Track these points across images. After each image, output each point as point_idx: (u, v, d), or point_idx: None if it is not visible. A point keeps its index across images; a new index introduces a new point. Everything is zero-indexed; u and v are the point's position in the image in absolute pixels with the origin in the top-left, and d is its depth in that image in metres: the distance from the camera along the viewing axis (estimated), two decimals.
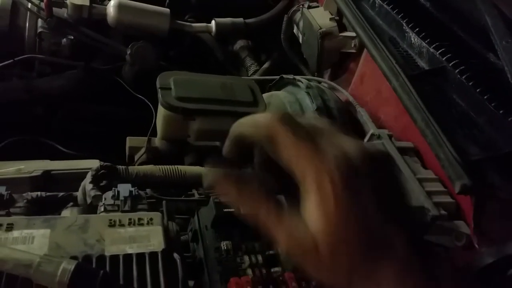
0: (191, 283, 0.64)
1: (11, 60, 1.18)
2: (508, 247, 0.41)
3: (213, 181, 0.37)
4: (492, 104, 0.70)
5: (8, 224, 0.54)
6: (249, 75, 1.44)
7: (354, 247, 0.33)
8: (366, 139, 0.83)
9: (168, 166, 0.84)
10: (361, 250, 0.33)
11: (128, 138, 0.98)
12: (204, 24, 1.38)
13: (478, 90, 0.73)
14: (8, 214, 0.59)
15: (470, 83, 0.74)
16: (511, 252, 0.41)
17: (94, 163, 0.78)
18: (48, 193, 0.68)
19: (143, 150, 0.95)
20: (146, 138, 0.96)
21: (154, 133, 0.98)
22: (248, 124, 0.38)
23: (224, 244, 0.64)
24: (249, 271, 0.61)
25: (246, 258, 0.63)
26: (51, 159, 0.84)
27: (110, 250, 0.54)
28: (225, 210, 0.67)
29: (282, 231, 0.35)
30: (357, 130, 0.92)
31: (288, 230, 0.34)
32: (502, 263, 0.41)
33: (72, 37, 1.26)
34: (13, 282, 0.47)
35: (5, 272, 0.47)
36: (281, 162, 0.34)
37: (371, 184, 0.33)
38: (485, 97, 0.71)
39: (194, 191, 0.87)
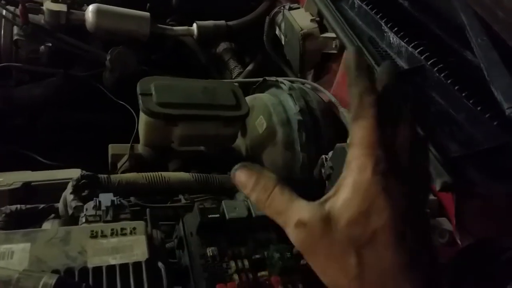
0: None
1: None
2: (490, 243, 0.41)
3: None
4: (470, 101, 0.71)
5: None
6: (233, 77, 1.43)
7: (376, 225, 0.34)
8: (349, 139, 0.83)
9: (151, 173, 0.83)
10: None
11: (110, 146, 0.97)
12: (185, 28, 1.37)
13: (456, 87, 0.74)
14: None
15: (449, 81, 0.75)
16: (493, 247, 0.41)
17: (76, 173, 0.77)
18: (28, 206, 0.67)
19: (126, 158, 0.93)
20: (129, 145, 0.95)
21: (137, 140, 0.97)
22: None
23: (209, 250, 0.64)
24: (236, 277, 0.61)
25: (232, 263, 0.63)
26: (32, 170, 0.82)
27: (93, 261, 0.53)
28: (210, 216, 0.67)
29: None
30: (340, 131, 0.92)
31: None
32: (485, 259, 0.41)
33: (50, 44, 1.24)
34: None
35: None
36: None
37: (408, 189, 0.35)
38: (463, 94, 0.72)
39: (181, 196, 0.87)
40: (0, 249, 0.52)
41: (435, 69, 0.77)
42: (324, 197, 0.36)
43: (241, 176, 0.39)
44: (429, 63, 0.78)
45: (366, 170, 0.34)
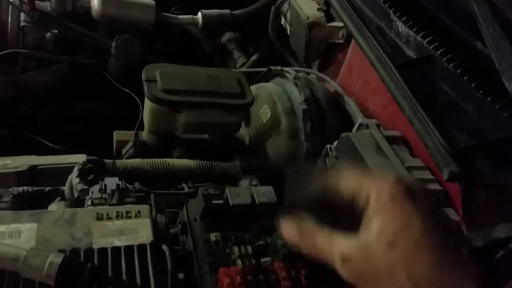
0: (180, 275, 0.63)
1: None
2: (496, 231, 0.41)
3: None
4: (480, 92, 0.70)
5: None
6: (237, 67, 1.43)
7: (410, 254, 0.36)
8: (354, 129, 0.83)
9: (156, 159, 0.83)
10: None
11: (115, 132, 0.97)
12: (190, 16, 1.37)
13: (465, 78, 0.73)
14: None
15: (458, 71, 0.74)
16: (498, 236, 0.41)
17: (81, 158, 0.77)
18: (34, 188, 0.67)
19: (130, 144, 0.93)
20: (134, 132, 0.95)
21: (141, 127, 0.97)
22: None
23: (213, 236, 0.64)
24: (239, 262, 0.61)
25: (236, 249, 0.63)
26: (38, 155, 0.82)
27: (98, 243, 0.53)
28: (214, 202, 0.67)
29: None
30: (346, 121, 0.92)
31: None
32: (490, 247, 0.41)
33: (56, 31, 1.24)
34: (1, 276, 0.46)
35: None
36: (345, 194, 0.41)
37: (427, 205, 0.38)
38: (473, 84, 0.71)
39: (184, 185, 0.87)
40: (8, 228, 0.52)
41: (444, 59, 0.76)
42: (361, 230, 0.39)
43: (286, 232, 0.44)
44: (438, 53, 0.77)
45: (386, 194, 0.38)
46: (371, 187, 0.39)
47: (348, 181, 0.41)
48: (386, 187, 0.39)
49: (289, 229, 0.44)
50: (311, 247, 0.42)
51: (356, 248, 0.38)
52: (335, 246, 0.39)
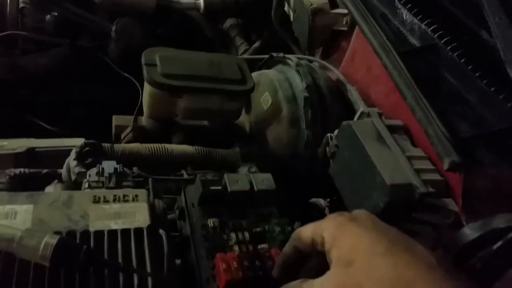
0: (178, 262, 0.63)
1: None
2: (493, 220, 0.41)
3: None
4: (484, 82, 0.69)
5: None
6: (238, 54, 1.42)
7: None
8: (355, 118, 0.82)
9: (154, 144, 0.82)
10: None
11: (114, 117, 0.96)
12: (192, 1, 1.35)
13: (470, 67, 0.72)
14: None
15: (462, 60, 0.73)
16: (496, 226, 0.40)
17: (79, 142, 0.76)
18: (31, 170, 0.67)
19: (129, 129, 0.93)
20: (133, 117, 0.94)
21: (140, 112, 0.96)
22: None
23: (211, 222, 0.64)
24: (236, 248, 0.60)
25: (233, 235, 0.62)
26: (36, 138, 0.82)
27: (95, 225, 0.53)
28: (212, 188, 0.66)
29: None
30: (348, 109, 0.91)
31: None
32: (487, 237, 0.40)
33: (56, 14, 1.23)
34: None
35: None
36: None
37: (370, 223, 0.46)
38: (477, 74, 0.70)
39: (183, 171, 0.86)
40: (4, 209, 0.51)
41: (448, 47, 0.75)
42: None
43: None
44: (442, 41, 0.76)
45: (333, 225, 0.46)
46: (321, 230, 0.46)
47: (305, 235, 0.48)
48: (331, 222, 0.46)
49: None
50: None
51: (330, 282, 0.42)
52: None
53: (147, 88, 0.85)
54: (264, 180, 0.70)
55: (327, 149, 0.82)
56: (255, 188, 0.68)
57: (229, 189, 0.66)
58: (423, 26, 0.79)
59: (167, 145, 0.83)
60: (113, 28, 1.19)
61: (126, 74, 1.14)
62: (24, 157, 0.72)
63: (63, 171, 0.69)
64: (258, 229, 0.65)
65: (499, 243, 0.40)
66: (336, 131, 0.80)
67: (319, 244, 0.46)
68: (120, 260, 0.50)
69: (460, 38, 0.75)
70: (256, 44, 1.42)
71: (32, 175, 0.66)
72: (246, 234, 0.63)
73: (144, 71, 0.82)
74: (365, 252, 0.40)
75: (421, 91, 0.67)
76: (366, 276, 0.39)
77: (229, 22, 1.49)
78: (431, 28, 0.78)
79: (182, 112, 0.88)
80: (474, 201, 0.62)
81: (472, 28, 0.75)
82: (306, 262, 0.52)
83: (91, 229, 0.52)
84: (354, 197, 0.72)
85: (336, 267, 0.42)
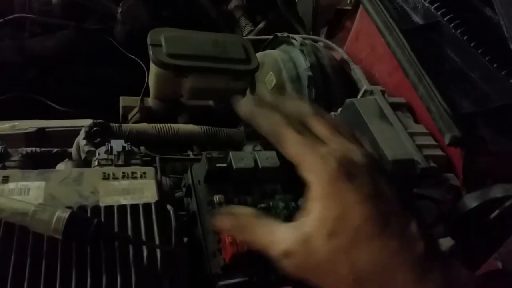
0: (185, 240, 0.65)
1: (1, 20, 1.16)
2: (491, 190, 0.42)
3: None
4: (486, 58, 0.69)
5: (3, 176, 0.54)
6: (243, 35, 1.42)
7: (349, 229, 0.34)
8: (359, 96, 0.83)
9: (161, 124, 0.84)
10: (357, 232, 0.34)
11: (121, 98, 0.98)
12: None
13: (472, 44, 0.72)
14: (4, 168, 0.59)
15: (465, 37, 0.73)
16: (494, 195, 0.41)
17: (88, 122, 0.78)
18: (42, 149, 0.69)
19: (136, 110, 0.94)
20: (139, 97, 0.96)
21: (147, 93, 0.98)
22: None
23: (216, 198, 0.65)
24: None
25: None
26: (45, 119, 0.84)
27: (105, 201, 0.55)
28: (217, 165, 0.68)
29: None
30: (351, 88, 0.91)
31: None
32: (485, 207, 0.42)
33: None
34: (11, 230, 0.48)
35: (3, 220, 0.48)
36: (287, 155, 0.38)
37: (370, 188, 0.35)
38: (479, 51, 0.71)
39: (189, 152, 0.88)
40: (17, 185, 0.53)
41: (451, 25, 0.75)
42: (300, 218, 0.37)
43: (221, 222, 0.41)
44: (445, 19, 0.76)
45: (322, 171, 0.36)
46: (311, 168, 0.36)
47: (291, 148, 0.38)
48: (326, 173, 0.36)
49: (224, 220, 0.41)
50: (249, 238, 0.40)
51: (296, 241, 0.36)
52: (276, 240, 0.37)
53: (153, 68, 0.86)
54: (268, 158, 0.71)
55: None
56: (260, 166, 0.69)
57: (234, 166, 0.68)
58: (426, 4, 0.79)
59: (173, 125, 0.84)
60: (119, 10, 1.20)
61: (132, 56, 1.15)
62: (35, 137, 0.74)
63: (73, 150, 0.71)
64: (262, 205, 0.66)
65: (496, 212, 0.42)
66: (339, 109, 0.81)
67: (299, 170, 0.38)
68: (129, 234, 0.52)
69: (464, 15, 0.75)
70: (261, 25, 1.41)
71: (43, 153, 0.68)
72: None
73: (150, 52, 0.83)
74: (352, 228, 0.35)
75: (423, 68, 0.68)
76: (347, 255, 0.35)
77: (233, 3, 1.49)
78: (434, 6, 0.78)
79: (187, 92, 0.89)
80: (475, 175, 0.63)
81: (475, 6, 0.75)
82: None
83: (101, 204, 0.54)
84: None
85: (315, 229, 0.36)
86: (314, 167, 0.36)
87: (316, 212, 0.36)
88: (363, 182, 0.35)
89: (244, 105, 0.41)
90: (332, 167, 0.35)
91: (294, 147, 0.37)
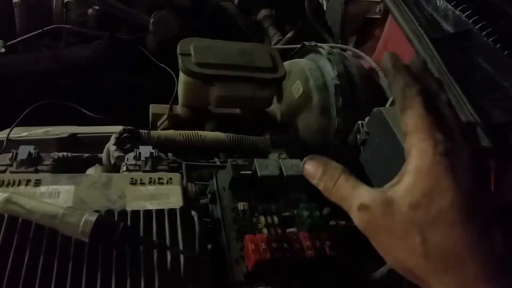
0: (209, 246, 0.66)
1: (40, 30, 1.22)
2: None
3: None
4: None
5: (36, 180, 0.56)
6: (272, 45, 1.43)
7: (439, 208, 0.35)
8: (387, 104, 0.82)
9: (188, 131, 0.85)
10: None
11: (151, 106, 1.00)
12: None
13: (505, 52, 0.70)
14: (36, 171, 0.62)
15: (498, 46, 0.71)
16: None
17: (118, 129, 0.80)
18: (74, 154, 0.71)
19: (165, 117, 0.96)
20: (168, 105, 0.98)
21: (176, 102, 1.00)
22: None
23: (241, 205, 0.66)
24: (265, 230, 0.62)
25: (262, 218, 0.64)
26: (78, 125, 0.87)
27: (131, 205, 0.56)
28: (242, 172, 0.68)
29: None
30: (380, 97, 0.90)
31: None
32: None
33: (98, 8, 1.28)
34: (41, 231, 0.50)
35: (34, 222, 0.50)
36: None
37: (469, 184, 0.35)
38: None
39: (216, 159, 0.89)
40: (48, 189, 0.56)
41: (483, 33, 0.73)
42: (388, 184, 0.38)
43: (309, 167, 0.43)
44: (477, 27, 0.74)
45: (427, 153, 0.36)
46: (418, 145, 0.37)
47: (410, 118, 0.38)
48: (430, 154, 0.36)
49: (313, 166, 0.43)
50: (330, 188, 0.41)
51: (378, 199, 0.37)
52: (356, 194, 0.39)
53: (181, 77, 0.88)
54: (293, 166, 0.71)
55: (358, 136, 0.82)
56: (284, 174, 0.69)
57: (259, 174, 0.68)
58: (457, 12, 0.77)
59: (200, 132, 0.86)
60: (151, 20, 1.24)
61: (162, 65, 1.18)
62: (67, 142, 0.77)
63: (103, 155, 0.73)
64: (287, 213, 0.66)
65: None
66: (367, 118, 0.80)
67: (402, 131, 0.39)
68: (154, 238, 0.53)
69: (496, 23, 0.73)
70: (289, 35, 1.42)
71: (74, 158, 0.70)
72: (275, 218, 0.65)
73: (179, 61, 0.85)
74: (437, 208, 0.35)
75: (453, 77, 0.66)
76: (422, 230, 0.35)
77: (262, 13, 1.50)
78: (466, 13, 0.76)
79: (214, 100, 0.90)
80: (507, 187, 0.61)
81: (509, 13, 0.73)
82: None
83: (128, 209, 0.56)
84: (385, 185, 0.72)
85: (400, 196, 0.36)
86: (421, 146, 0.36)
87: (406, 183, 0.36)
88: (463, 177, 0.35)
89: (385, 60, 0.42)
90: (439, 154, 0.36)
91: (414, 118, 0.37)
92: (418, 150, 0.36)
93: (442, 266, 0.35)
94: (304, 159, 0.44)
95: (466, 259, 0.34)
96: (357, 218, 0.38)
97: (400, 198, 0.36)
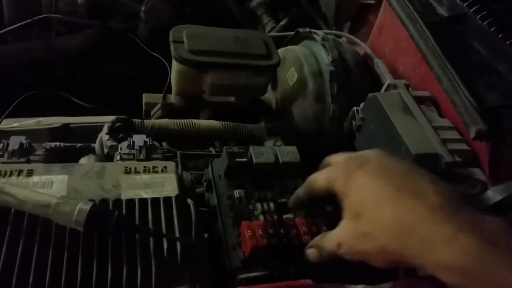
0: (206, 236, 0.65)
1: (29, 20, 1.19)
2: None
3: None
4: None
5: (28, 170, 0.56)
6: (266, 32, 1.41)
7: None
8: (382, 90, 0.81)
9: (183, 120, 0.85)
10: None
11: (144, 95, 0.99)
12: None
13: (500, 35, 0.70)
14: (28, 162, 0.61)
15: (492, 29, 0.71)
16: None
17: (111, 119, 0.79)
18: (66, 144, 0.70)
19: (158, 106, 0.95)
20: (162, 94, 0.97)
21: (169, 91, 0.98)
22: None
23: (236, 192, 0.65)
24: (261, 217, 0.62)
25: (258, 205, 0.64)
26: (70, 115, 0.86)
27: (126, 194, 0.56)
28: (238, 159, 0.68)
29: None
30: (374, 82, 0.90)
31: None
32: (510, 201, 0.40)
33: None
34: (35, 222, 0.49)
35: (27, 212, 0.49)
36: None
37: (377, 168, 0.47)
38: (508, 42, 0.68)
39: (211, 149, 0.88)
40: (41, 179, 0.55)
41: (478, 16, 0.73)
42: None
43: (311, 256, 0.55)
44: (471, 10, 0.74)
45: (342, 176, 0.50)
46: (334, 180, 0.49)
47: (320, 184, 0.52)
48: (342, 172, 0.48)
49: (312, 253, 0.55)
50: (326, 251, 0.51)
51: (342, 233, 0.48)
52: (331, 240, 0.50)
53: (174, 65, 0.87)
54: (289, 153, 0.70)
55: (353, 122, 0.82)
56: (280, 160, 0.69)
57: (254, 161, 0.68)
58: None
59: (194, 120, 0.85)
60: (142, 9, 1.22)
61: (155, 54, 1.17)
62: (59, 133, 0.76)
63: (96, 144, 0.72)
64: (283, 200, 0.66)
65: None
66: (362, 104, 0.80)
67: (333, 192, 0.50)
68: (150, 227, 0.53)
69: (491, 6, 0.72)
70: (283, 22, 1.41)
71: (66, 148, 0.70)
72: (271, 205, 0.64)
73: (172, 48, 0.84)
74: (370, 202, 0.44)
75: (448, 61, 0.66)
76: (373, 226, 0.43)
77: (256, 0, 1.48)
78: None
79: (209, 88, 0.89)
80: (501, 170, 0.61)
81: None
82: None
83: (123, 198, 0.55)
84: None
85: (347, 219, 0.47)
86: (335, 177, 0.50)
87: (345, 205, 0.48)
88: (371, 165, 0.46)
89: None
90: (347, 163, 0.49)
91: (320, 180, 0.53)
92: (335, 182, 0.50)
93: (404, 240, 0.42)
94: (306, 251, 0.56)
95: (413, 223, 0.40)
96: (343, 255, 0.49)
97: (349, 219, 0.48)
